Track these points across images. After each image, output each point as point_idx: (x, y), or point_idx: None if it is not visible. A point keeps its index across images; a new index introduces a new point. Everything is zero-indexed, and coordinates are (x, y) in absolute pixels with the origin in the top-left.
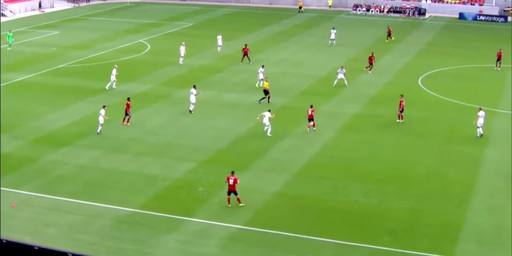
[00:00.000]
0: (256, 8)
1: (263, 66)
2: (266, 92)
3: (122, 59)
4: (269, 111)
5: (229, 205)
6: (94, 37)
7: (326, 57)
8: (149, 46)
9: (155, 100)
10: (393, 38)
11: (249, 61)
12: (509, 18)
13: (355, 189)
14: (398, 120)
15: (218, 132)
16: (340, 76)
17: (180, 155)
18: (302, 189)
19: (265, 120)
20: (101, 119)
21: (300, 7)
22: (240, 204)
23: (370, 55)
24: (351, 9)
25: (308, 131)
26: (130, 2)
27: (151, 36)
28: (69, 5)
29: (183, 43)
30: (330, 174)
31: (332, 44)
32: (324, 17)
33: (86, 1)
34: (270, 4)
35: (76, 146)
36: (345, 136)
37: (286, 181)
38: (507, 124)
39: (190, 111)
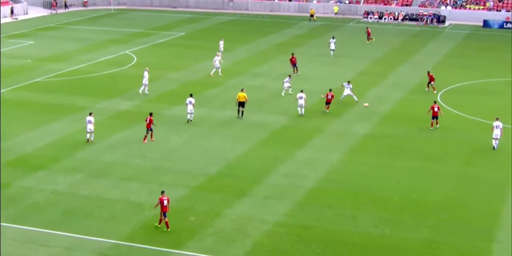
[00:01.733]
0: (255, 15)
1: (289, 76)
2: (241, 104)
3: (105, 72)
4: (301, 91)
5: (159, 226)
6: (74, 48)
7: (333, 70)
8: (135, 58)
9: (141, 118)
10: (373, 39)
11: (295, 72)
12: None
13: (365, 219)
14: (431, 127)
15: (212, 154)
16: (347, 91)
17: (170, 180)
18: (306, 218)
19: (302, 101)
20: (91, 127)
21: (312, 15)
22: (168, 229)
23: (429, 74)
24: (361, 17)
25: (324, 111)
26: (114, 9)
27: (138, 47)
28: (45, 12)
29: (218, 53)
30: (337, 202)
31: (331, 55)
32: (331, 25)
33: (64, 8)
34: (270, 11)
35: (53, 170)
36: (354, 159)
37: (288, 210)
38: None
39: (190, 120)
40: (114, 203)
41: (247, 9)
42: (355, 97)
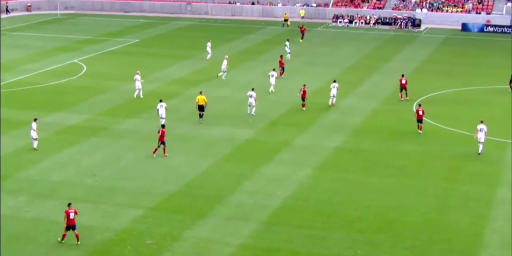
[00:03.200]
0: (216, 20)
1: (274, 70)
2: (201, 108)
3: (51, 83)
4: (252, 89)
5: (63, 241)
6: (17, 57)
7: (301, 79)
8: (85, 68)
9: (92, 133)
10: (301, 41)
11: (281, 75)
12: None
13: (337, 240)
14: (419, 131)
15: (170, 171)
16: (333, 92)
17: (124, 201)
18: (272, 240)
19: (251, 100)
20: (33, 134)
21: (286, 20)
22: (78, 243)
23: (401, 80)
24: (330, 21)
25: (303, 109)
26: (60, 14)
27: (87, 56)
28: None
29: (226, 56)
30: (306, 222)
31: (289, 57)
32: (298, 30)
33: (6, 12)
34: (232, 15)
35: None
36: (324, 175)
37: (253, 231)
38: None
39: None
40: (62, 227)
41: (206, 13)
42: (334, 100)
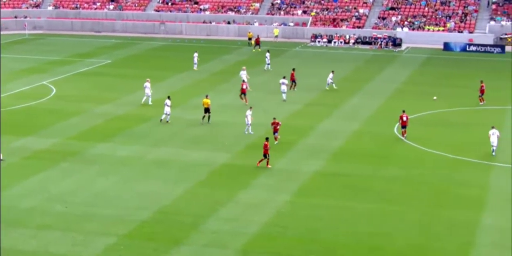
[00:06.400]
0: (190, 40)
1: (284, 77)
2: (206, 110)
3: (18, 106)
4: (250, 108)
5: None
6: None
7: (279, 101)
8: (54, 90)
9: (62, 159)
10: (259, 49)
11: (293, 87)
12: (507, 48)
13: None
14: (402, 137)
15: (144, 198)
16: (329, 80)
17: (96, 228)
18: None
19: (248, 119)
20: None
21: (250, 39)
22: None
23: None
24: (308, 40)
25: (276, 142)
26: (29, 34)
27: (57, 77)
28: None
29: (243, 67)
30: (285, 249)
31: (268, 69)
32: (275, 50)
33: None
34: (207, 35)
35: None
36: (303, 201)
37: None
38: (507, 180)
39: (167, 121)
40: None
41: (181, 33)
42: (334, 84)
